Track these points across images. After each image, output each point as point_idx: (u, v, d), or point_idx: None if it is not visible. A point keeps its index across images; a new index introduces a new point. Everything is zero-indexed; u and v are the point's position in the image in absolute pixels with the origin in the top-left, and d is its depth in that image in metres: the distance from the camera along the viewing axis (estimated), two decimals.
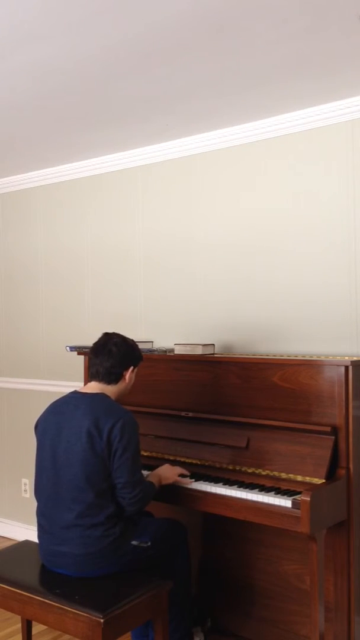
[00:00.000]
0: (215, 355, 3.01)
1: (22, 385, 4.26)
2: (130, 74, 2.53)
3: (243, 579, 2.89)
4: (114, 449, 2.34)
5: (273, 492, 2.45)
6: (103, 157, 3.73)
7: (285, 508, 2.35)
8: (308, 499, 2.24)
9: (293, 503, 2.33)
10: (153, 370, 3.10)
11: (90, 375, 2.57)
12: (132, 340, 2.63)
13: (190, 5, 2.00)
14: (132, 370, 2.58)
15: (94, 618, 2.16)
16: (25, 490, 4.24)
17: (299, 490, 2.40)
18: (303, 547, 2.63)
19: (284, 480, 2.53)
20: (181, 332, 3.43)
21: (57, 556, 2.40)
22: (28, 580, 2.42)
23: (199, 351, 2.98)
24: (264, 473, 2.60)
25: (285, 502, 2.36)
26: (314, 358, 2.66)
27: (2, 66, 2.45)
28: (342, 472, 2.46)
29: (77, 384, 2.66)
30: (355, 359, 2.51)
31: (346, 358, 2.57)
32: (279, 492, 2.45)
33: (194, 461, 2.81)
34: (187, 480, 2.64)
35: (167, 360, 3.06)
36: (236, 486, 2.55)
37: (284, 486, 2.50)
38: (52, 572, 2.45)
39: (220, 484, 2.58)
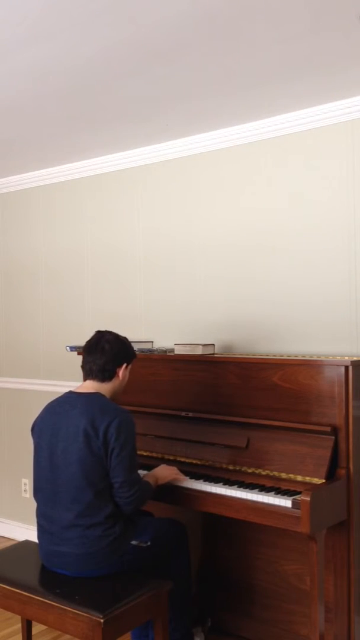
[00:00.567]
0: (215, 355, 3.01)
1: (21, 385, 4.26)
2: (130, 74, 2.53)
3: (243, 579, 2.89)
4: (111, 448, 2.34)
5: (273, 492, 2.45)
6: (103, 157, 3.73)
7: (285, 508, 2.35)
8: (308, 499, 2.24)
9: (293, 503, 2.33)
10: (153, 370, 3.10)
11: (84, 373, 2.57)
12: (125, 338, 2.63)
13: (190, 5, 2.00)
14: (126, 368, 2.58)
15: (94, 618, 2.16)
16: (25, 490, 4.24)
17: (299, 490, 2.40)
18: (303, 547, 2.63)
19: (284, 480, 2.53)
20: (181, 332, 3.43)
21: (57, 556, 2.40)
22: (28, 580, 2.42)
23: (199, 351, 2.98)
24: (264, 473, 2.60)
25: (285, 502, 2.36)
26: (314, 358, 2.66)
27: (2, 66, 2.45)
28: (342, 472, 2.46)
29: (77, 384, 2.65)
30: (355, 359, 2.51)
31: (346, 358, 2.57)
32: (279, 492, 2.45)
33: (194, 461, 2.81)
34: (183, 477, 2.65)
35: (167, 360, 3.06)
36: (236, 486, 2.55)
37: (284, 486, 2.50)
38: (52, 572, 2.45)
39: (220, 484, 2.58)
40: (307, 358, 2.68)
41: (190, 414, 2.88)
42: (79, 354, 2.69)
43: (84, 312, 3.93)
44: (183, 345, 3.05)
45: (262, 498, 2.43)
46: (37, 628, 2.96)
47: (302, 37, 2.24)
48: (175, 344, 3.09)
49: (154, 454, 2.95)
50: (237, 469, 2.68)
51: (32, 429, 2.58)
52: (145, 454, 2.94)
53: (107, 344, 2.54)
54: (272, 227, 3.11)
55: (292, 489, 2.46)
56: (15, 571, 2.50)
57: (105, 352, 2.53)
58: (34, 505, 2.57)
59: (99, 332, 2.62)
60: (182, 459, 2.84)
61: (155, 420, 3.00)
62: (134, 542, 2.44)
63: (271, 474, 2.58)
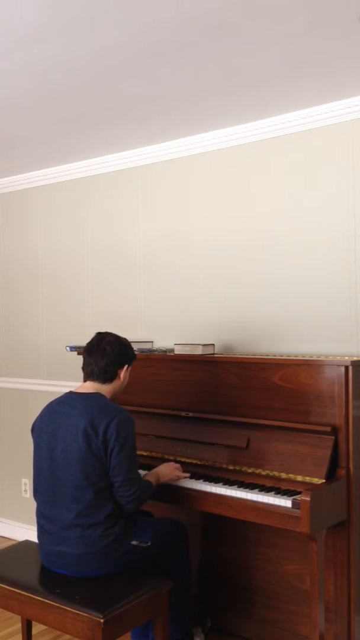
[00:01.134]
0: (215, 355, 3.01)
1: (22, 385, 4.26)
2: (130, 74, 2.53)
3: (243, 578, 2.89)
4: (111, 447, 2.35)
5: (273, 492, 2.45)
6: (103, 157, 3.73)
7: (285, 508, 2.35)
8: (308, 499, 2.24)
9: (293, 503, 2.33)
10: (153, 370, 3.10)
11: (85, 375, 2.57)
12: (126, 339, 2.63)
13: (190, 5, 2.00)
14: (127, 369, 2.58)
15: (94, 618, 2.16)
16: (25, 490, 4.24)
17: (299, 490, 2.40)
18: (303, 547, 2.63)
19: (284, 480, 2.53)
20: (181, 332, 3.43)
21: (57, 556, 2.40)
22: (28, 580, 2.42)
23: (199, 351, 2.98)
24: (264, 473, 2.60)
25: (285, 502, 2.36)
26: (314, 358, 2.66)
27: (2, 66, 2.45)
28: (342, 472, 2.46)
29: (77, 384, 2.66)
30: (355, 359, 2.51)
31: (346, 358, 2.57)
32: (279, 492, 2.45)
33: (194, 461, 2.81)
34: (185, 474, 2.65)
35: (167, 360, 3.06)
36: (236, 486, 2.55)
37: (284, 486, 2.50)
38: (52, 572, 2.45)
39: (220, 484, 2.58)
40: (307, 358, 2.68)
41: (190, 414, 2.88)
42: (79, 354, 2.70)
43: (84, 312, 3.93)
44: (183, 345, 3.05)
45: (262, 498, 2.43)
46: (37, 628, 2.96)
47: (302, 37, 2.24)
48: (175, 344, 3.09)
49: (154, 454, 2.95)
50: (237, 469, 2.68)
51: (32, 429, 2.59)
52: (145, 454, 2.94)
53: (108, 345, 2.54)
54: (272, 227, 3.11)
55: (292, 489, 2.46)
56: (15, 571, 2.50)
57: (106, 354, 2.53)
58: (34, 505, 2.57)
59: (99, 334, 2.62)
60: (182, 459, 2.84)
61: (156, 420, 3.00)
62: (134, 542, 2.45)
63: (271, 474, 2.58)
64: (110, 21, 2.10)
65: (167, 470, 2.64)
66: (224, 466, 2.72)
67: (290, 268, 3.04)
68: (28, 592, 2.36)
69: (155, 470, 2.63)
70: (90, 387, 2.53)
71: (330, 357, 2.69)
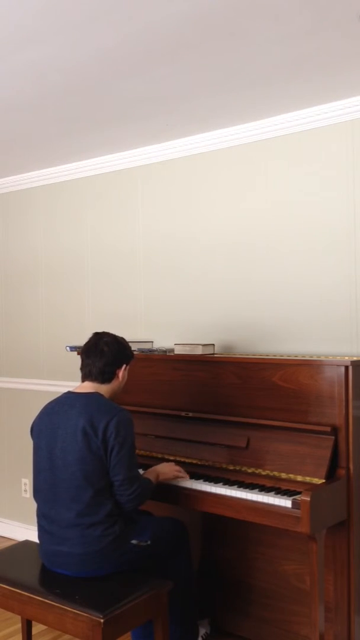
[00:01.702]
0: (215, 355, 3.01)
1: (22, 385, 4.26)
2: (130, 74, 2.53)
3: (243, 579, 2.89)
4: (110, 447, 2.35)
5: (273, 492, 2.45)
6: (103, 157, 3.73)
7: (285, 508, 2.35)
8: (308, 499, 2.24)
9: (293, 503, 2.33)
10: (153, 370, 3.10)
11: (83, 375, 2.57)
12: (123, 339, 2.63)
13: (190, 5, 2.00)
14: (125, 369, 2.58)
15: (94, 618, 2.16)
16: (25, 490, 4.24)
17: (299, 490, 2.40)
18: (303, 547, 2.63)
19: (284, 480, 2.53)
20: (181, 332, 3.43)
21: (57, 556, 2.41)
22: (28, 580, 2.42)
23: (199, 351, 2.98)
24: (264, 473, 2.60)
25: (285, 502, 2.36)
26: (314, 358, 2.66)
27: (2, 66, 2.45)
28: (342, 472, 2.46)
29: (77, 384, 2.66)
30: (355, 359, 2.51)
31: (346, 358, 2.57)
32: (279, 492, 2.45)
33: (194, 461, 2.81)
34: (185, 475, 2.65)
35: (167, 360, 3.06)
36: (236, 486, 2.55)
37: (284, 486, 2.50)
38: (52, 572, 2.45)
39: (220, 484, 2.58)
40: (307, 358, 2.68)
41: (190, 414, 2.88)
42: (78, 354, 2.69)
43: (84, 312, 3.93)
44: (183, 345, 3.05)
45: (262, 498, 2.43)
46: (37, 628, 2.97)
47: (302, 37, 2.24)
48: (175, 344, 3.09)
49: (154, 454, 2.95)
50: (237, 469, 2.68)
51: (31, 430, 2.59)
52: (145, 454, 2.94)
53: (106, 345, 2.55)
54: (272, 226, 3.11)
55: (292, 489, 2.46)
56: (15, 571, 2.50)
57: (104, 354, 2.53)
58: (34, 505, 2.57)
59: (96, 334, 2.62)
60: (182, 459, 2.84)
61: (155, 420, 3.01)
62: (134, 542, 2.44)
63: (271, 474, 2.58)
64: (110, 21, 2.10)
65: (166, 469, 2.65)
66: (224, 466, 2.72)
67: (290, 268, 3.04)
68: (28, 592, 2.36)
69: (154, 468, 2.63)
70: (89, 387, 2.54)
71: (330, 357, 2.69)
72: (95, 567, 2.37)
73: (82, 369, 2.58)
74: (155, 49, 2.32)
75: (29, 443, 2.65)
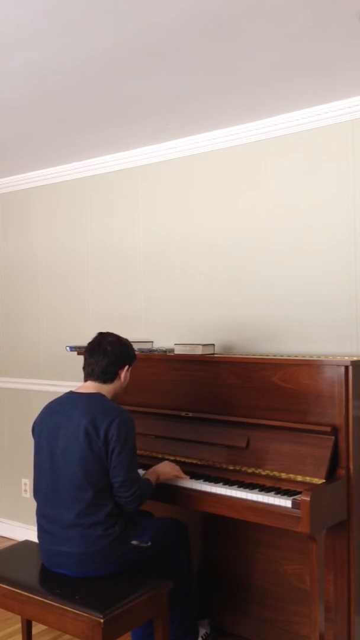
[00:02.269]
0: (215, 355, 3.01)
1: (22, 385, 4.26)
2: (130, 74, 2.53)
3: (243, 578, 2.89)
4: (112, 448, 2.35)
5: (273, 492, 2.45)
6: (103, 157, 3.73)
7: (285, 508, 2.35)
8: (308, 499, 2.24)
9: (293, 503, 2.33)
10: (153, 370, 3.10)
11: (86, 374, 2.57)
12: (127, 340, 2.64)
13: (189, 5, 2.00)
14: (127, 369, 2.58)
15: (94, 618, 2.16)
16: (25, 490, 4.24)
17: (299, 490, 2.40)
18: (303, 547, 2.63)
19: (284, 480, 2.53)
20: (181, 332, 3.43)
21: (57, 556, 2.41)
22: (28, 580, 2.42)
23: (199, 351, 2.98)
24: (264, 473, 2.60)
25: (285, 502, 2.36)
26: (314, 358, 2.66)
27: (2, 66, 2.45)
28: (342, 472, 2.46)
29: (77, 384, 2.66)
30: (355, 359, 2.51)
31: (346, 358, 2.57)
32: (279, 492, 2.45)
33: (194, 461, 2.81)
34: (184, 475, 2.65)
35: (167, 360, 3.06)
36: (236, 486, 2.55)
37: (284, 486, 2.50)
38: (52, 572, 2.45)
39: (220, 484, 2.58)
40: (307, 358, 2.68)
41: (190, 414, 2.88)
42: (79, 354, 2.70)
43: (84, 312, 3.93)
44: (183, 345, 3.05)
45: (262, 498, 2.43)
46: (37, 628, 2.96)
47: (302, 37, 2.24)
48: (175, 344, 3.09)
49: (154, 454, 2.94)
50: (237, 469, 2.68)
51: (33, 429, 2.59)
52: (145, 454, 2.94)
53: (110, 345, 2.55)
54: (272, 227, 3.11)
55: (292, 489, 2.46)
56: (15, 571, 2.50)
57: (107, 353, 2.53)
58: (34, 505, 2.57)
59: (100, 334, 2.62)
60: (182, 459, 2.84)
61: (156, 420, 3.00)
62: (134, 542, 2.44)
63: (271, 474, 2.58)
64: (110, 21, 2.10)
65: (166, 469, 2.65)
66: (224, 466, 2.72)
67: (290, 268, 3.04)
68: (28, 592, 2.36)
69: (154, 468, 2.63)
70: (90, 387, 2.54)
71: (330, 357, 2.69)
72: (95, 567, 2.37)
73: (84, 368, 2.58)
74: (155, 49, 2.32)
75: (29, 443, 2.65)
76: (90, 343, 2.61)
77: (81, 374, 2.60)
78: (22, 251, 4.28)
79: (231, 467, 2.70)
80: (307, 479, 2.48)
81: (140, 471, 2.58)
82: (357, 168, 2.84)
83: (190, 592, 2.68)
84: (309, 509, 2.24)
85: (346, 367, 2.48)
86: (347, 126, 2.87)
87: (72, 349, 3.35)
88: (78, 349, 3.27)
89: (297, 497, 2.33)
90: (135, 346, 2.83)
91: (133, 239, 3.67)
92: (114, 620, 2.18)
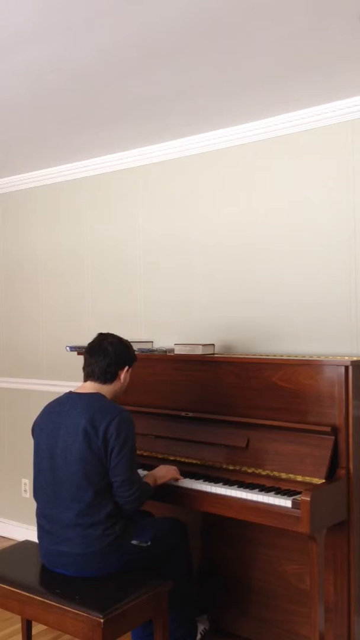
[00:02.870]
0: (215, 355, 3.01)
1: (22, 385, 4.26)
2: (130, 74, 2.53)
3: (243, 578, 2.89)
4: (111, 447, 2.35)
5: (273, 492, 2.45)
6: (103, 157, 3.73)
7: (285, 508, 2.35)
8: (308, 499, 2.24)
9: (293, 503, 2.33)
10: (153, 370, 3.10)
11: (86, 374, 2.57)
12: (127, 341, 2.64)
13: (189, 5, 2.00)
14: (127, 370, 2.59)
15: (94, 618, 2.16)
16: (25, 490, 4.24)
17: (299, 490, 2.40)
18: (303, 547, 2.63)
19: (284, 480, 2.53)
20: (181, 332, 3.43)
21: (57, 556, 2.41)
22: (28, 580, 2.42)
23: (199, 351, 2.98)
24: (264, 473, 2.60)
25: (285, 502, 2.36)
26: (314, 358, 2.66)
27: (2, 66, 2.45)
28: (342, 472, 2.46)
29: (77, 384, 2.66)
30: (355, 359, 2.51)
31: (346, 358, 2.57)
32: (279, 492, 2.45)
33: (194, 461, 2.81)
34: (180, 476, 2.66)
35: (167, 360, 3.06)
36: (236, 486, 2.55)
37: (284, 486, 2.50)
38: (52, 572, 2.45)
39: (220, 484, 2.58)
40: (307, 358, 2.68)
41: (190, 414, 2.88)
42: (79, 354, 2.70)
43: (84, 312, 3.93)
44: (183, 345, 3.05)
45: (262, 498, 2.43)
46: (37, 628, 2.96)
47: (302, 37, 2.24)
48: (175, 344, 3.09)
49: (154, 454, 2.95)
50: (237, 469, 2.68)
51: (32, 429, 2.59)
52: (145, 454, 2.94)
53: (110, 346, 2.55)
54: (272, 227, 3.11)
55: (292, 489, 2.46)
56: (15, 571, 2.50)
57: (107, 354, 2.53)
58: (34, 505, 2.57)
59: (101, 334, 2.62)
60: (182, 459, 2.84)
61: (155, 420, 3.00)
62: (134, 542, 2.45)
63: (271, 474, 2.58)
64: (110, 21, 2.10)
65: (163, 472, 2.65)
66: (224, 466, 2.72)
67: (290, 268, 3.04)
68: (28, 592, 2.36)
69: (152, 472, 2.64)
70: (90, 387, 2.54)
71: (330, 357, 2.69)
72: (95, 567, 2.37)
73: (84, 368, 2.58)
74: (155, 49, 2.32)
75: (29, 443, 2.65)
76: (90, 343, 2.61)
77: (81, 374, 2.61)
78: (22, 251, 4.28)
79: (231, 467, 2.70)
80: (307, 479, 2.47)
81: (141, 471, 2.58)
82: (357, 168, 2.84)
83: (190, 592, 2.69)
84: (309, 509, 2.24)
85: (346, 367, 2.48)
86: (347, 126, 2.87)
87: (72, 349, 3.35)
88: (78, 349, 3.27)
89: (297, 497, 2.33)
90: (135, 346, 2.83)
91: (133, 238, 3.67)
92: (114, 620, 2.18)
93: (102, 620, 2.14)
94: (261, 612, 2.82)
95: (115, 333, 2.65)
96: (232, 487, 2.55)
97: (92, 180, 3.87)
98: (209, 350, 3.04)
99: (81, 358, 2.63)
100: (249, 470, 2.64)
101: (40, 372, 4.16)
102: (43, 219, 4.15)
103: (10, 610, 2.45)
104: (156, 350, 3.16)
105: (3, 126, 3.18)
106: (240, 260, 3.22)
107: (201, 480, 2.63)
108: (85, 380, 2.58)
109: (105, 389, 2.53)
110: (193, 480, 2.64)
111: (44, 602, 2.30)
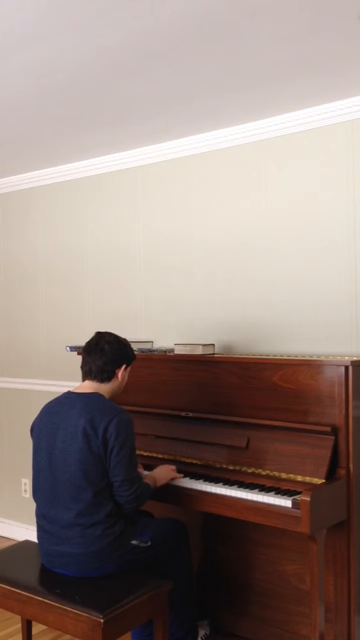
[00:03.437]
0: (215, 355, 3.01)
1: (22, 385, 4.26)
2: (130, 74, 2.53)
3: (243, 578, 2.89)
4: (110, 447, 2.35)
5: (273, 492, 2.45)
6: (103, 157, 3.73)
7: (286, 508, 2.35)
8: (308, 499, 2.24)
9: (293, 503, 2.33)
10: (153, 370, 3.10)
11: (83, 373, 2.57)
12: (125, 339, 2.64)
13: (189, 5, 2.00)
14: (125, 369, 2.58)
15: (94, 618, 2.16)
16: (25, 490, 4.24)
17: (299, 490, 2.40)
18: (303, 547, 2.63)
19: (284, 480, 2.53)
20: (181, 332, 3.43)
21: (57, 556, 2.41)
22: (28, 580, 2.42)
23: (199, 351, 2.98)
24: (264, 473, 2.60)
25: (285, 502, 2.36)
26: (314, 358, 2.66)
27: (2, 66, 2.45)
28: (342, 472, 2.46)
29: (77, 384, 2.66)
30: (355, 359, 2.51)
31: (346, 358, 2.57)
32: (279, 492, 2.45)
33: (194, 461, 2.81)
34: (178, 475, 2.66)
35: (167, 360, 3.06)
36: (236, 486, 2.55)
37: (284, 486, 2.50)
38: (52, 572, 2.45)
39: (220, 484, 2.58)
40: (307, 358, 2.68)
41: (190, 414, 2.88)
42: (78, 354, 2.70)
43: (84, 312, 3.93)
44: (183, 345, 3.05)
45: (262, 498, 2.43)
46: (37, 628, 2.96)
47: (302, 37, 2.24)
48: (175, 344, 3.09)
49: (154, 454, 2.95)
50: (237, 469, 2.68)
51: (31, 430, 2.59)
52: (145, 454, 2.94)
53: (107, 344, 2.55)
54: (272, 227, 3.11)
55: (292, 489, 2.46)
56: (15, 571, 2.50)
57: (104, 352, 2.53)
58: (34, 505, 2.57)
59: (98, 333, 2.62)
60: (182, 459, 2.84)
61: (155, 420, 3.01)
62: (134, 542, 2.45)
63: (271, 474, 2.58)
64: (110, 21, 2.10)
65: (162, 474, 2.65)
66: (224, 466, 2.72)
67: (290, 268, 3.04)
68: (28, 592, 2.36)
69: (151, 474, 2.64)
70: (88, 386, 2.54)
71: (330, 357, 2.69)
72: (95, 567, 2.37)
73: (82, 367, 2.58)
74: (155, 49, 2.32)
75: (29, 443, 2.65)
76: (87, 342, 2.61)
77: (80, 374, 2.61)
78: (22, 251, 4.28)
79: (231, 467, 2.70)
80: (307, 479, 2.48)
81: (145, 472, 2.58)
82: (357, 168, 2.84)
83: (190, 592, 2.69)
84: (309, 509, 2.24)
85: (346, 367, 2.48)
86: (347, 126, 2.87)
87: (72, 349, 3.35)
88: (78, 349, 3.26)
89: (297, 497, 2.33)
90: (135, 346, 2.83)
91: (133, 239, 3.67)
92: (114, 620, 2.18)
93: (102, 620, 2.14)
94: (261, 612, 2.83)
95: (113, 332, 2.65)
96: (232, 487, 2.55)
97: (92, 180, 3.87)
98: (209, 350, 3.04)
99: (81, 358, 2.63)
100: (249, 470, 2.64)
101: (40, 372, 4.16)
102: (43, 219, 4.15)
103: (10, 610, 2.45)
104: (156, 350, 3.16)
105: (3, 126, 3.18)
106: (240, 260, 3.22)
107: (201, 480, 2.63)
108: (83, 379, 2.58)
109: (104, 388, 2.53)
110: (193, 480, 2.64)
111: (44, 602, 2.30)
